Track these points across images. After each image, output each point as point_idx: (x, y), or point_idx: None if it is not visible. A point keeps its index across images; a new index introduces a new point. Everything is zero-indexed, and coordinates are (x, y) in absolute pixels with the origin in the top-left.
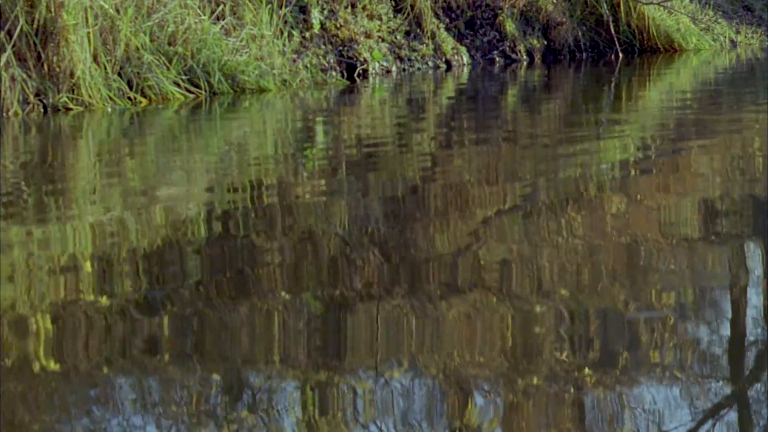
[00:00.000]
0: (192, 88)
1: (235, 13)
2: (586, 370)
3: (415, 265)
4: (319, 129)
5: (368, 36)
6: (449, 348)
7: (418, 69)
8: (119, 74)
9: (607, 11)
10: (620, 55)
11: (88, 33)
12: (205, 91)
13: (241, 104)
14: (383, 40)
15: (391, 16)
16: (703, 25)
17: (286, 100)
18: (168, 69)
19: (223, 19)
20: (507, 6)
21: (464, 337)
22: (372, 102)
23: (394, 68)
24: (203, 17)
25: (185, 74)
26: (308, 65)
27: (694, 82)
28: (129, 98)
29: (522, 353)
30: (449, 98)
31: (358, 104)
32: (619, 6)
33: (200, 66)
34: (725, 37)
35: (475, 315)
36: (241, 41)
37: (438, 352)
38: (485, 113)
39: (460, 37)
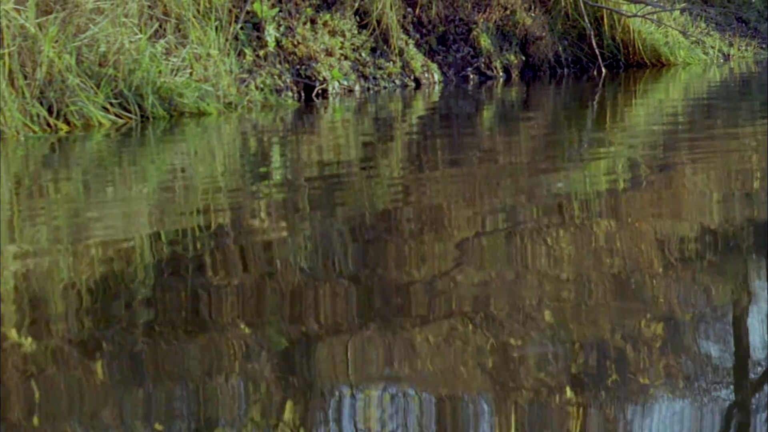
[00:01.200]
0: (123, 113)
1: (179, 31)
2: (568, 395)
3: (386, 296)
4: (269, 153)
5: (329, 53)
6: (424, 380)
7: (384, 88)
8: (40, 99)
9: (588, 24)
10: (603, 70)
11: (3, 54)
12: (136, 115)
13: (178, 129)
14: (346, 58)
15: (356, 32)
16: (693, 38)
17: (232, 123)
18: (96, 93)
19: (164, 38)
20: (482, 20)
21: (440, 368)
22: (329, 124)
23: (357, 87)
24: (140, 36)
25: (116, 98)
26: (261, 86)
27: (684, 99)
28: (49, 125)
29: (501, 384)
30: (419, 118)
31: (314, 126)
32: (602, 19)
33: (132, 89)
34: (717, 50)
35: (451, 345)
36: (182, 61)
37: (413, 382)
38: (459, 134)
39: (431, 54)
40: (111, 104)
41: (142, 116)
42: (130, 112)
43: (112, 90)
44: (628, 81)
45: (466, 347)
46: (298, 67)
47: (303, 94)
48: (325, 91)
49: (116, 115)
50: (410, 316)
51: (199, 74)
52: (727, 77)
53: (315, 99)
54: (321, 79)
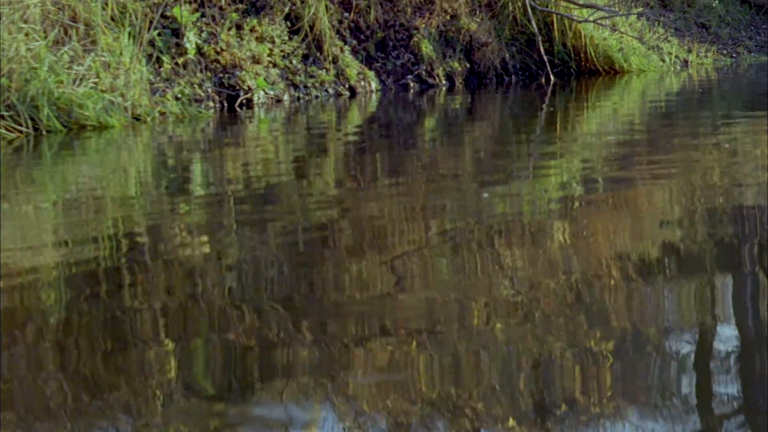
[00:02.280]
0: (14, 126)
1: (89, 37)
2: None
3: (317, 317)
4: (176, 168)
5: (257, 61)
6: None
7: (316, 97)
8: None
9: (537, 30)
10: (551, 77)
11: None
12: (28, 128)
13: (77, 144)
14: (275, 66)
15: (286, 38)
16: (650, 44)
17: (142, 136)
18: None
19: (69, 44)
20: (423, 26)
21: (382, 391)
22: (253, 135)
23: (286, 97)
24: (40, 43)
25: (7, 110)
26: (179, 95)
27: (637, 108)
28: None
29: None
30: (354, 129)
31: (235, 138)
32: (552, 24)
33: (27, 100)
34: (675, 56)
35: (391, 365)
36: (88, 70)
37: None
38: (397, 146)
39: (369, 61)
40: (1, 116)
41: (36, 130)
42: (21, 125)
43: (3, 101)
44: (579, 89)
45: (406, 367)
46: (221, 75)
47: (226, 105)
48: (250, 101)
49: (7, 129)
50: (344, 335)
51: (106, 84)
52: (684, 85)
53: (239, 109)
54: (245, 88)
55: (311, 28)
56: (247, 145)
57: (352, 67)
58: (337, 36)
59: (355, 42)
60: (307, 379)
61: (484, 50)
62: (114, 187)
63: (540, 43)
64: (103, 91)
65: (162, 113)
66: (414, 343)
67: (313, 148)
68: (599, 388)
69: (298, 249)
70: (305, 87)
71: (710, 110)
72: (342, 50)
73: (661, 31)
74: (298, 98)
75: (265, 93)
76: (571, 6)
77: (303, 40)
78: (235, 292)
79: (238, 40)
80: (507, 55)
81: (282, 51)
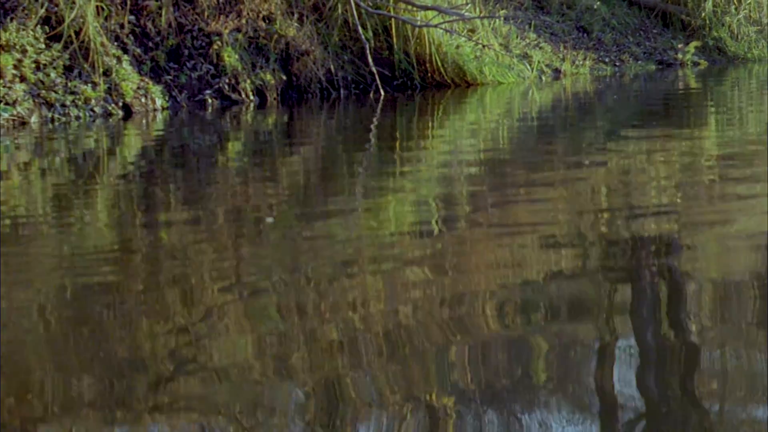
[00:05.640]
0: None
1: None
2: None
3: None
4: None
5: None
6: None
7: (77, 118)
8: None
9: (363, 36)
10: (381, 91)
11: None
12: None
13: None
14: (23, 80)
15: (43, 46)
16: (518, 52)
17: None
18: None
19: None
20: (227, 30)
21: None
22: None
23: (34, 118)
24: None
25: None
26: None
27: (489, 129)
28: None
29: None
30: (133, 159)
31: None
32: (391, 29)
33: None
34: (546, 65)
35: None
36: None
37: None
38: (185, 179)
39: (157, 73)
40: None
41: None
42: None
43: None
44: (421, 105)
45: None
46: None
47: None
48: None
49: None
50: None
51: None
52: (549, 101)
53: None
54: None
55: (77, 33)
56: None
57: (130, 81)
58: (115, 43)
59: (140, 50)
60: None
61: (305, 60)
62: None
63: (368, 50)
64: None
65: None
66: None
67: (78, 183)
68: None
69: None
70: (63, 106)
71: (583, 131)
72: (120, 60)
73: (533, 36)
74: (52, 119)
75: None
76: (413, 8)
77: (66, 48)
78: None
79: None
80: (334, 65)
81: (36, 62)
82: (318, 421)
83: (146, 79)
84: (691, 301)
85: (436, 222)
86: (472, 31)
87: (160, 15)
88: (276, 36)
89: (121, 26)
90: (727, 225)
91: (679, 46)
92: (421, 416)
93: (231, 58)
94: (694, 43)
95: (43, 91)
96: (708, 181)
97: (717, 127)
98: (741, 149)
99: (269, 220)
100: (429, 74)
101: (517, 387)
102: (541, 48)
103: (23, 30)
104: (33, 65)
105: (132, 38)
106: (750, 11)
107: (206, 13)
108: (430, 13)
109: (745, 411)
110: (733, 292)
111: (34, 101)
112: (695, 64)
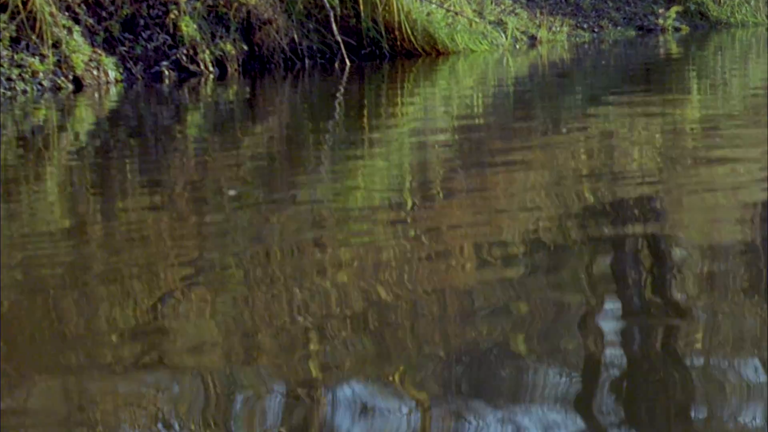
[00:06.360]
0: None
1: None
2: None
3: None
4: None
5: None
6: None
7: (24, 92)
8: None
9: (329, 3)
10: (346, 61)
11: None
12: None
13: None
14: None
15: None
16: (492, 19)
17: None
18: None
19: None
20: None
21: None
22: None
23: None
24: None
25: None
26: None
27: (452, 105)
28: None
29: None
30: (86, 134)
31: None
32: None
33: None
34: (522, 32)
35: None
36: None
37: None
38: (142, 154)
39: (111, 44)
40: None
41: None
42: None
43: None
44: (390, 75)
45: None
46: None
47: None
48: None
49: None
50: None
51: None
52: (530, 68)
53: None
54: None
55: (25, 3)
56: None
57: (81, 52)
58: (66, 13)
59: (92, 21)
60: None
61: (267, 29)
62: None
63: (334, 18)
64: None
65: None
66: None
67: (27, 160)
68: None
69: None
70: (8, 80)
71: (562, 99)
72: (70, 31)
73: (508, 2)
74: None
75: None
76: None
77: (13, 19)
78: None
79: None
80: (298, 34)
81: None
82: (290, 398)
83: (99, 51)
84: (674, 264)
85: (409, 190)
86: None
87: None
88: (236, 4)
89: None
90: (710, 189)
91: (660, 11)
92: (399, 380)
93: (189, 27)
94: (675, 8)
95: None
96: (691, 146)
97: (700, 94)
98: (724, 114)
99: (232, 192)
100: (398, 43)
101: (499, 349)
102: (516, 14)
103: None
104: None
105: (84, 8)
106: None
107: None
108: None
109: (727, 369)
110: (718, 255)
111: None
112: (676, 29)
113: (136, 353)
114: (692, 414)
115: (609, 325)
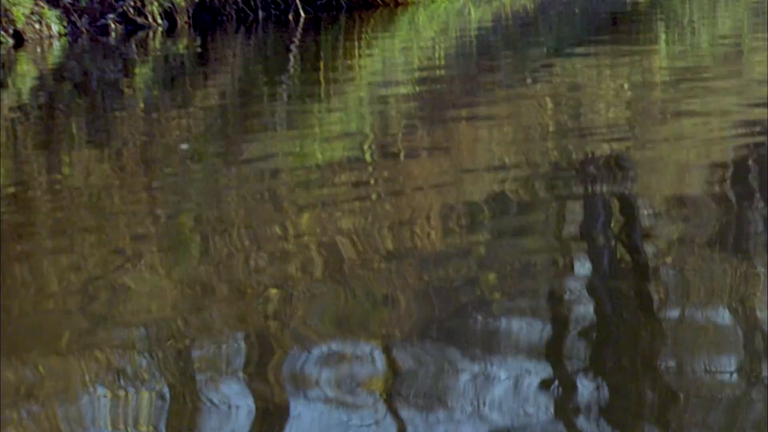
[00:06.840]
0: None
1: None
2: None
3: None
4: None
5: None
6: None
7: None
8: None
9: None
10: (301, 12)
11: None
12: None
13: None
14: None
15: None
16: None
17: None
18: None
19: None
20: None
21: None
22: None
23: None
24: None
25: None
26: None
27: (413, 59)
28: None
29: None
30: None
31: None
32: None
33: None
34: None
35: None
36: None
37: None
38: (89, 110)
39: None
40: None
41: None
42: None
43: None
44: (340, 27)
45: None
46: None
47: None
48: None
49: None
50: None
51: None
52: (484, 20)
53: None
54: None
55: None
56: None
57: (22, 5)
58: None
59: None
60: None
61: None
62: None
63: None
64: None
65: None
66: None
67: None
68: None
69: None
70: None
71: (527, 49)
72: None
73: None
74: None
75: None
76: None
77: None
78: None
79: None
80: None
81: None
82: (253, 359)
83: (41, 3)
84: (643, 216)
85: (369, 146)
86: None
87: None
88: None
89: None
90: (679, 141)
91: None
92: (376, 329)
93: None
94: None
95: None
96: (660, 99)
97: (668, 44)
98: (693, 66)
99: (184, 146)
100: None
101: (470, 300)
102: None
103: None
104: None
105: None
106: None
107: None
108: None
109: (695, 318)
110: (687, 207)
111: None
112: None
113: (87, 308)
114: (660, 363)
115: (578, 281)
